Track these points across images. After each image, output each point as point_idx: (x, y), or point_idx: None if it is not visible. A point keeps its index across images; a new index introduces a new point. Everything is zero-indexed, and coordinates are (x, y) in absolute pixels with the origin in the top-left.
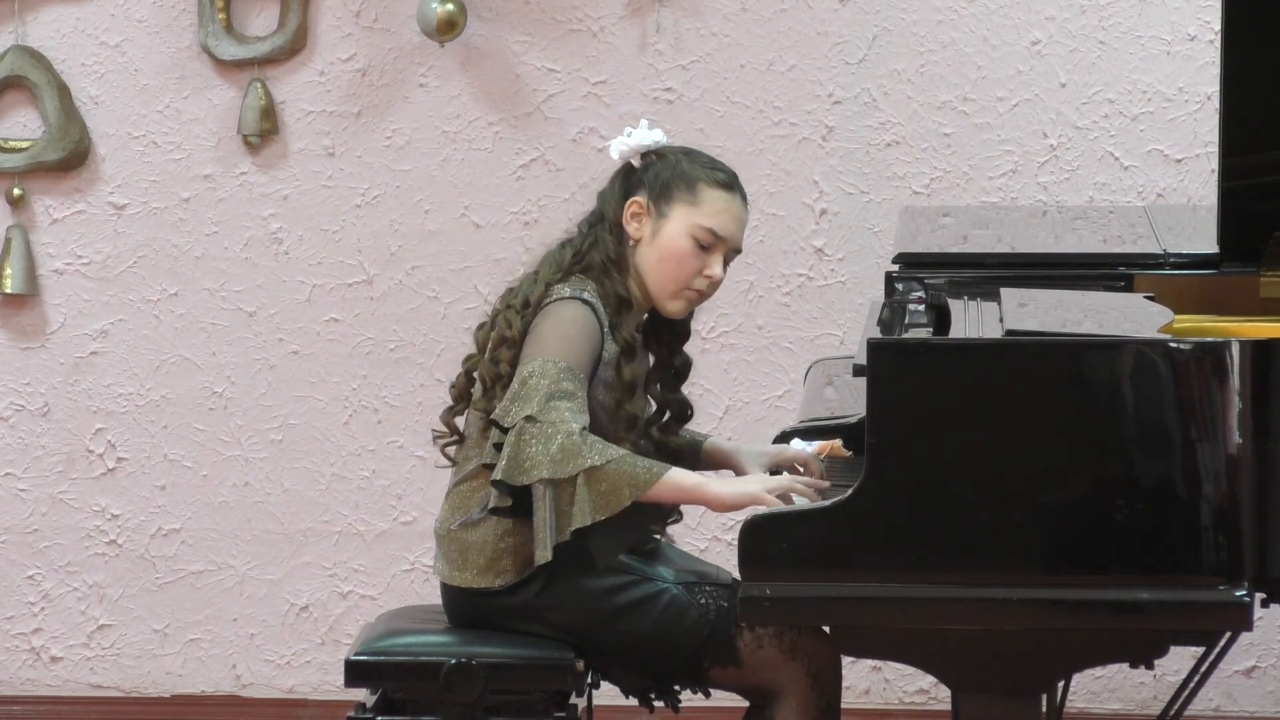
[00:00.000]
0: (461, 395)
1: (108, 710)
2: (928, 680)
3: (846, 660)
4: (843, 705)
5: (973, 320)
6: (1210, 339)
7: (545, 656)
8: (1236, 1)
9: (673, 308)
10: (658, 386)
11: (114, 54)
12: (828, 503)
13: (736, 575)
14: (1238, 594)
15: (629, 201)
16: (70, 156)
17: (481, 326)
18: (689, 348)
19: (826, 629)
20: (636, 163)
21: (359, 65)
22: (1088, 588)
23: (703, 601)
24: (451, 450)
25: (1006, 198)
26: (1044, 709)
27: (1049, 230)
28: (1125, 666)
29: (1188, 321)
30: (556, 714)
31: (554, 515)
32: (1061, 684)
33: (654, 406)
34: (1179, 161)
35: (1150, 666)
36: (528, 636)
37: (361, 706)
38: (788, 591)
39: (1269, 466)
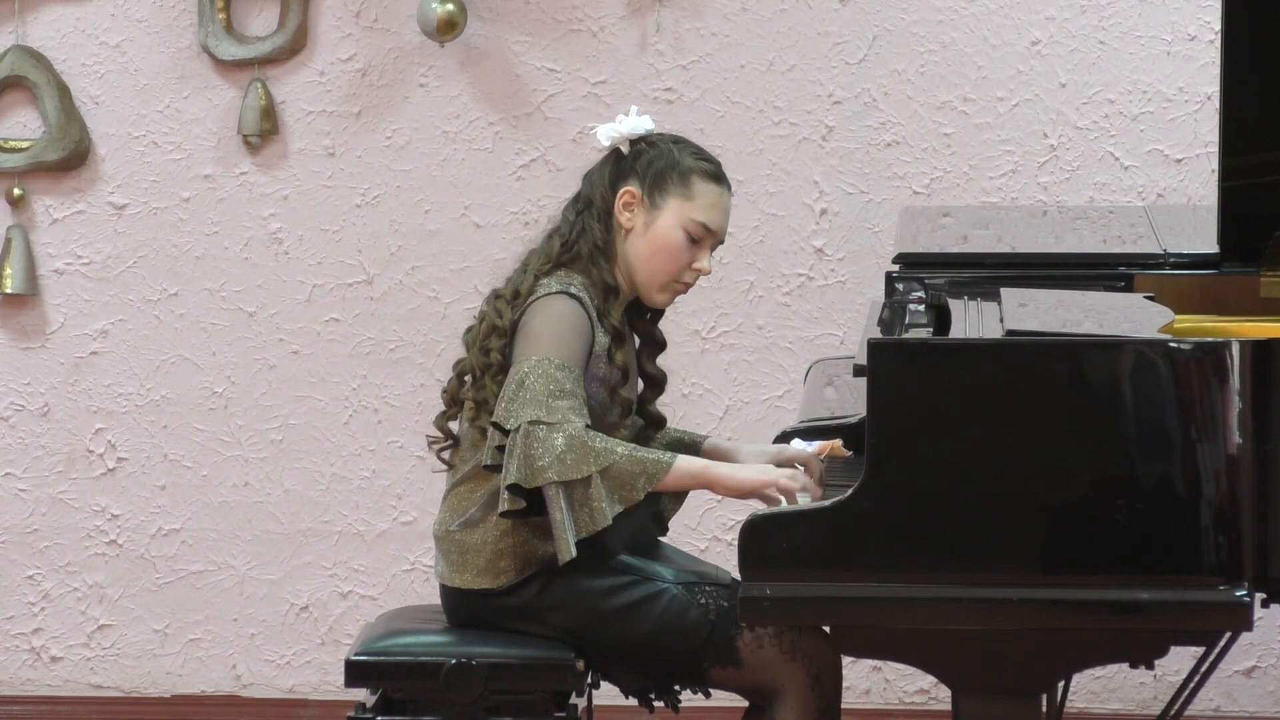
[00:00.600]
0: (454, 400)
1: (108, 710)
2: (928, 680)
3: (846, 660)
4: (843, 705)
5: (973, 320)
6: (1210, 339)
7: (545, 656)
8: (1236, 1)
9: (660, 299)
10: (643, 361)
11: (114, 54)
12: (828, 503)
13: (736, 575)
14: (1238, 594)
15: (622, 190)
16: (70, 156)
17: (470, 330)
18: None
19: (826, 629)
20: (625, 149)
21: (359, 65)
22: (1088, 588)
23: (703, 601)
24: (447, 454)
25: (1006, 198)
26: (1044, 709)
27: (1049, 230)
28: (1125, 666)
29: (1188, 321)
30: (556, 714)
31: (570, 515)
32: (1061, 684)
33: (640, 385)
34: (1179, 161)
35: (1150, 666)
36: (528, 636)
37: (361, 706)
38: (788, 591)
39: (1269, 466)
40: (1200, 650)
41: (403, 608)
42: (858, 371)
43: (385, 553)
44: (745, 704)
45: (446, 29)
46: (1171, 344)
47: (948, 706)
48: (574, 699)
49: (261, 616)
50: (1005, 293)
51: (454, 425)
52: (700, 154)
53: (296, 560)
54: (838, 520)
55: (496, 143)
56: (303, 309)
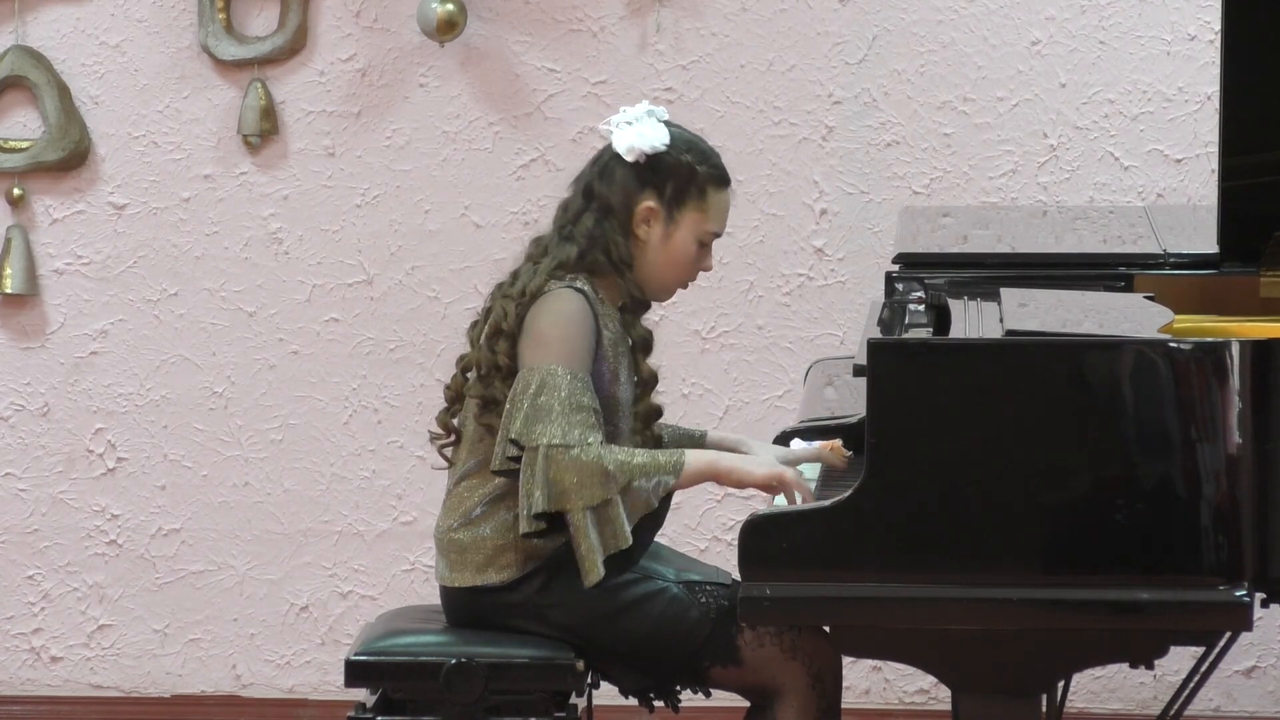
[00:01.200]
0: (457, 396)
1: (108, 710)
2: (928, 680)
3: (846, 660)
4: (843, 705)
5: (973, 320)
6: (1210, 339)
7: (545, 656)
8: (1236, 1)
9: (665, 298)
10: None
11: (114, 54)
12: (828, 503)
13: (736, 576)
14: (1238, 594)
15: (641, 207)
16: (70, 156)
17: (474, 325)
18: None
19: (827, 629)
20: (643, 160)
21: (359, 65)
22: (1088, 588)
23: (703, 601)
24: (449, 451)
25: (1006, 198)
26: (1044, 709)
27: (1049, 230)
28: (1125, 666)
29: (1188, 321)
30: (556, 714)
31: (599, 537)
32: (1061, 684)
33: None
34: (1179, 161)
35: (1150, 666)
36: (528, 635)
37: (361, 706)
38: (788, 591)
39: (1269, 466)
40: (1200, 650)
41: (403, 608)
42: (858, 371)
43: (385, 553)
44: (745, 705)
45: (446, 29)
46: (1171, 344)
47: (948, 706)
48: (574, 699)
49: (261, 616)
50: (1005, 293)
51: (455, 421)
52: (708, 158)
53: (296, 560)
54: (838, 520)
55: (496, 143)
56: (303, 309)
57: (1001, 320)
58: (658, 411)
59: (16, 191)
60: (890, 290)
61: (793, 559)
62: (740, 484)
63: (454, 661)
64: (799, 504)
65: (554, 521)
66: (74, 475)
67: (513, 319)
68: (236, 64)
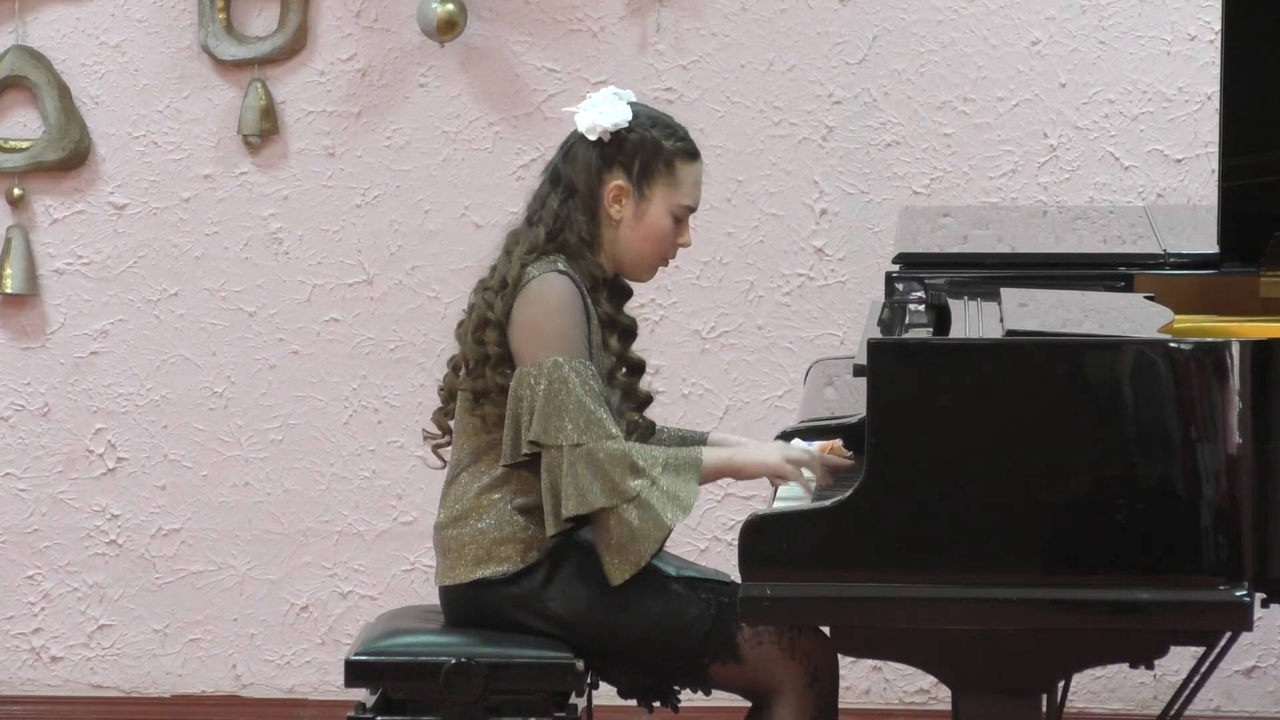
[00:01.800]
0: (451, 395)
1: (108, 710)
2: (928, 680)
3: (846, 660)
4: (843, 705)
5: (973, 320)
6: (1210, 339)
7: (545, 656)
8: (1236, 1)
9: (646, 277)
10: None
11: (114, 54)
12: (828, 503)
13: (736, 576)
14: (1238, 594)
15: (610, 185)
16: (70, 156)
17: (460, 325)
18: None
19: (826, 629)
20: (607, 138)
21: (359, 65)
22: (1088, 588)
23: (704, 597)
24: (445, 452)
25: (1006, 198)
26: (1044, 709)
27: (1049, 230)
28: (1125, 666)
29: (1188, 321)
30: (556, 714)
31: (629, 538)
32: (1061, 684)
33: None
34: (1179, 161)
35: (1150, 666)
36: (528, 631)
37: (361, 706)
38: (788, 591)
39: (1269, 466)
40: (1200, 650)
41: (403, 608)
42: (858, 371)
43: (385, 553)
44: (745, 706)
45: (446, 29)
46: (1171, 344)
47: (948, 706)
48: (574, 699)
49: (261, 616)
50: (1005, 293)
51: (450, 422)
52: (675, 132)
53: (296, 560)
54: (838, 520)
55: (496, 143)
56: (303, 309)
57: (1001, 320)
58: (648, 398)
59: (16, 191)
60: (890, 290)
61: (793, 559)
62: (757, 474)
63: (454, 661)
64: (812, 481)
65: (580, 520)
66: (74, 475)
67: (500, 309)
68: (236, 64)
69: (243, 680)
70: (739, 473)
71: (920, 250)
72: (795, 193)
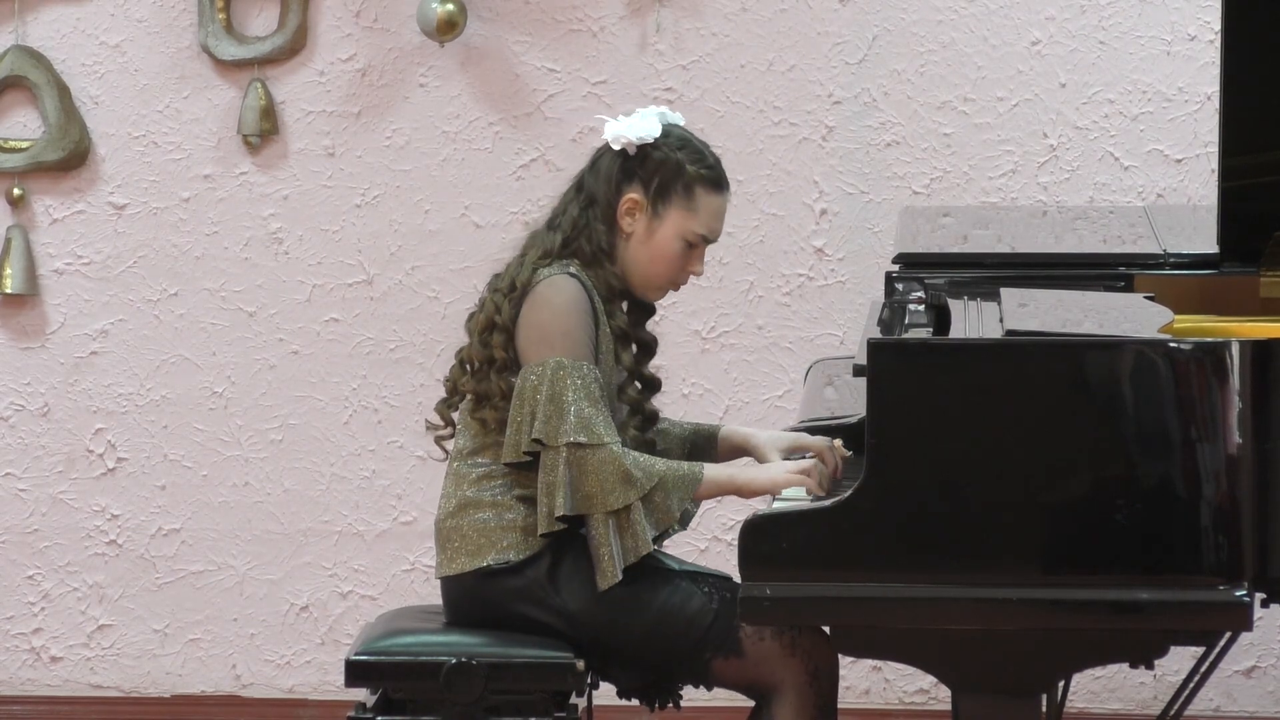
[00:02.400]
0: (455, 388)
1: (108, 710)
2: (928, 680)
3: (847, 660)
4: (843, 705)
5: (973, 320)
6: (1210, 339)
7: (545, 656)
8: (1236, 1)
9: (653, 297)
10: (637, 364)
11: (114, 54)
12: (828, 502)
13: (736, 577)
14: (1238, 594)
15: (625, 197)
16: (70, 156)
17: (472, 316)
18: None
19: (826, 629)
20: (632, 151)
21: (359, 65)
22: (1088, 588)
23: (706, 590)
24: (448, 444)
25: (1006, 198)
26: (1044, 709)
27: (1049, 230)
28: (1125, 666)
29: (1188, 321)
30: (556, 714)
31: (620, 544)
32: (1061, 684)
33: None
34: (1179, 161)
35: (1150, 666)
36: (530, 624)
37: (361, 706)
38: (788, 591)
39: (1269, 466)
40: (1200, 650)
41: (403, 608)
42: (858, 371)
43: (385, 553)
44: (747, 706)
45: (446, 29)
46: (1171, 344)
47: (948, 706)
48: (574, 699)
49: (261, 616)
50: (1005, 293)
51: (454, 414)
52: (703, 159)
53: (296, 560)
54: (838, 520)
55: (496, 143)
56: (303, 309)
57: (1001, 320)
58: (655, 415)
59: (16, 191)
60: (890, 290)
61: (793, 559)
62: (760, 493)
63: (454, 661)
64: (823, 479)
65: (573, 521)
66: (74, 475)
67: (507, 312)
68: (236, 64)
69: (243, 680)
70: (742, 491)
71: (920, 250)
72: (795, 193)
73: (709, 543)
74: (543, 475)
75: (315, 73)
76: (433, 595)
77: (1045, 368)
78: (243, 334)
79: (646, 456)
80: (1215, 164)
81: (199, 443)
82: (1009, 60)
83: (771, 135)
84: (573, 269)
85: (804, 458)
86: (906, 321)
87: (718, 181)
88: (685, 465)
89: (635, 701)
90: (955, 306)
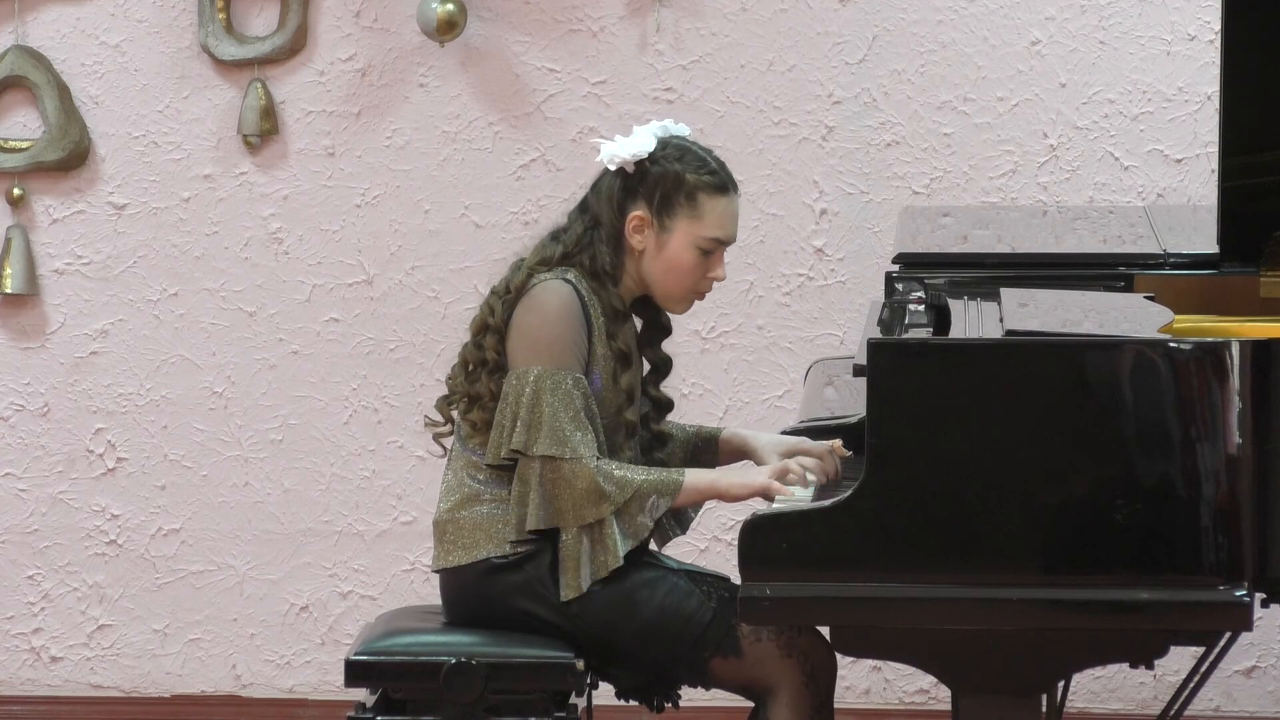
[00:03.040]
0: (455, 386)
1: (108, 710)
2: (928, 680)
3: (846, 660)
4: (843, 705)
5: (973, 320)
6: (1210, 339)
7: (545, 656)
8: (1236, 1)
9: (679, 309)
10: (648, 385)
11: (114, 54)
12: (828, 503)
13: (736, 577)
14: (1238, 594)
15: (630, 216)
16: (70, 156)
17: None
18: (670, 344)
19: (825, 629)
20: (630, 169)
21: (359, 65)
22: (1088, 588)
23: (704, 589)
24: (446, 441)
25: (1006, 198)
26: (1044, 709)
27: (1049, 230)
28: (1125, 666)
29: (1188, 321)
30: (556, 714)
31: (590, 555)
32: (1061, 684)
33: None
34: (1179, 161)
35: (1150, 666)
36: (528, 619)
37: (361, 706)
38: (788, 591)
39: (1269, 466)
40: (1200, 650)
41: (402, 608)
42: (858, 371)
43: (385, 553)
44: (746, 706)
45: (446, 29)
46: (1171, 344)
47: (948, 706)
48: (574, 699)
49: (261, 616)
50: (1005, 293)
51: (454, 411)
52: (704, 165)
53: (296, 560)
54: (838, 520)
55: (496, 143)
56: (303, 309)
57: (1001, 320)
58: (662, 437)
59: (16, 191)
60: (890, 290)
61: (793, 559)
62: (741, 497)
63: (454, 661)
64: (810, 482)
65: (547, 532)
66: (74, 475)
67: (500, 314)
68: (236, 64)
69: (243, 680)
70: (724, 496)
71: (920, 250)
72: (795, 193)
73: (709, 543)
74: (517, 484)
75: (315, 73)
76: (433, 595)
77: (1045, 368)
78: (243, 334)
79: (624, 467)
80: (1215, 164)
81: (199, 443)
82: (1009, 60)
83: (771, 135)
84: (570, 276)
85: None
86: (906, 321)
87: (721, 184)
88: (665, 474)
89: (635, 702)
90: (955, 306)
